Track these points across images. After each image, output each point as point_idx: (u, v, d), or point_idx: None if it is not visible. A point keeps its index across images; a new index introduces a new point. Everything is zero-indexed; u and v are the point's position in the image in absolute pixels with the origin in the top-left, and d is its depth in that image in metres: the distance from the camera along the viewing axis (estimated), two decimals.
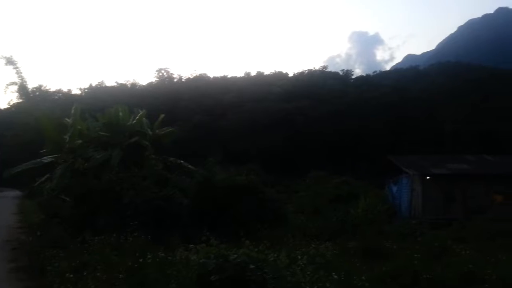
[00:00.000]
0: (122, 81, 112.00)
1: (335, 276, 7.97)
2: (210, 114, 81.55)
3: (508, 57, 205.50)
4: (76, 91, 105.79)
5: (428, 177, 30.99)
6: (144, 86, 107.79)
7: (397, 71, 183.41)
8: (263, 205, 17.45)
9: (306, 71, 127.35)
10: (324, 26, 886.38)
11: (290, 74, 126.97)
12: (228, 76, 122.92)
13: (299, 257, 8.89)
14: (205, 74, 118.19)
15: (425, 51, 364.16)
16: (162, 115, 26.19)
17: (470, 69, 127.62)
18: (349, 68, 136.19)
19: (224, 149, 64.11)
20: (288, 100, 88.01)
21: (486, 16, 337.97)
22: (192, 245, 8.71)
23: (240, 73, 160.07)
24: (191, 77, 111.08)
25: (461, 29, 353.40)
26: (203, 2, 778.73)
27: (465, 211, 28.56)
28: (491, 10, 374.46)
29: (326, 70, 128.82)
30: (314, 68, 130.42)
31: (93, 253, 10.45)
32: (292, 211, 25.43)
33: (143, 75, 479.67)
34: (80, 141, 22.17)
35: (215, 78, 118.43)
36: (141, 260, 8.99)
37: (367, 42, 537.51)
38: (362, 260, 11.76)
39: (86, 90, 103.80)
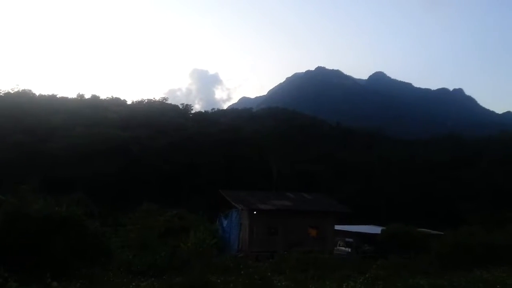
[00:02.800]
0: None
1: None
2: (32, 135, 72.41)
3: (323, 108, 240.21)
4: None
5: (255, 212, 33.03)
6: None
7: (233, 111, 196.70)
8: (83, 240, 15.81)
9: (146, 101, 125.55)
10: (166, 59, 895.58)
11: (128, 102, 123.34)
12: (58, 96, 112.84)
13: None
14: (29, 90, 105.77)
15: (258, 95, 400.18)
16: None
17: (295, 116, 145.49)
18: (189, 103, 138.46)
19: (45, 176, 57.08)
20: (125, 128, 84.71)
21: (308, 72, 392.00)
22: None
23: (72, 94, 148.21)
24: (12, 92, 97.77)
25: (288, 80, 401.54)
26: (32, 9, 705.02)
27: (286, 244, 31.17)
28: (312, 67, 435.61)
29: (166, 102, 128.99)
30: (154, 98, 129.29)
31: None
32: (118, 246, 23.78)
33: None
34: None
35: (42, 96, 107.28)
36: None
37: (207, 80, 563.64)
38: None
39: None
